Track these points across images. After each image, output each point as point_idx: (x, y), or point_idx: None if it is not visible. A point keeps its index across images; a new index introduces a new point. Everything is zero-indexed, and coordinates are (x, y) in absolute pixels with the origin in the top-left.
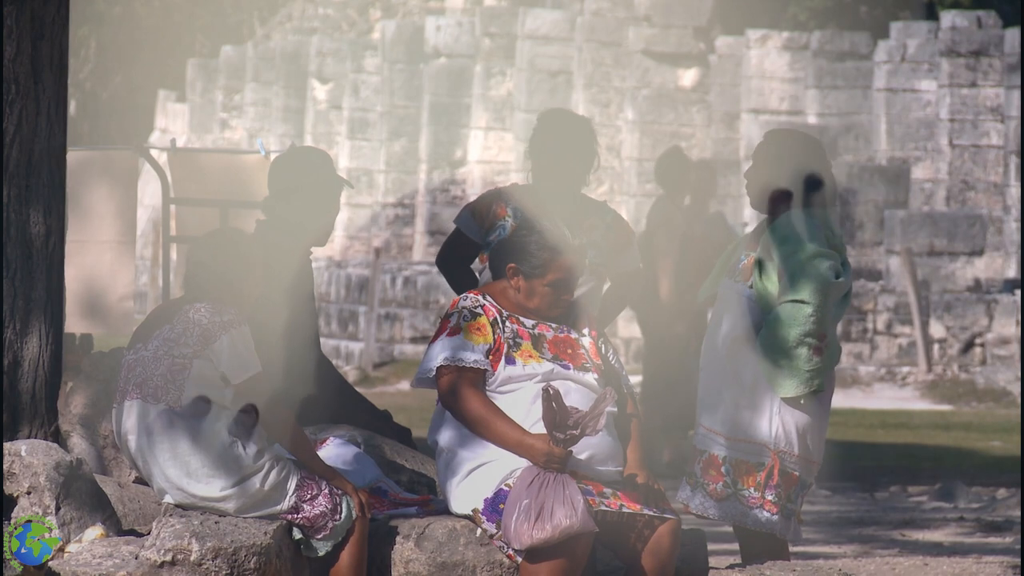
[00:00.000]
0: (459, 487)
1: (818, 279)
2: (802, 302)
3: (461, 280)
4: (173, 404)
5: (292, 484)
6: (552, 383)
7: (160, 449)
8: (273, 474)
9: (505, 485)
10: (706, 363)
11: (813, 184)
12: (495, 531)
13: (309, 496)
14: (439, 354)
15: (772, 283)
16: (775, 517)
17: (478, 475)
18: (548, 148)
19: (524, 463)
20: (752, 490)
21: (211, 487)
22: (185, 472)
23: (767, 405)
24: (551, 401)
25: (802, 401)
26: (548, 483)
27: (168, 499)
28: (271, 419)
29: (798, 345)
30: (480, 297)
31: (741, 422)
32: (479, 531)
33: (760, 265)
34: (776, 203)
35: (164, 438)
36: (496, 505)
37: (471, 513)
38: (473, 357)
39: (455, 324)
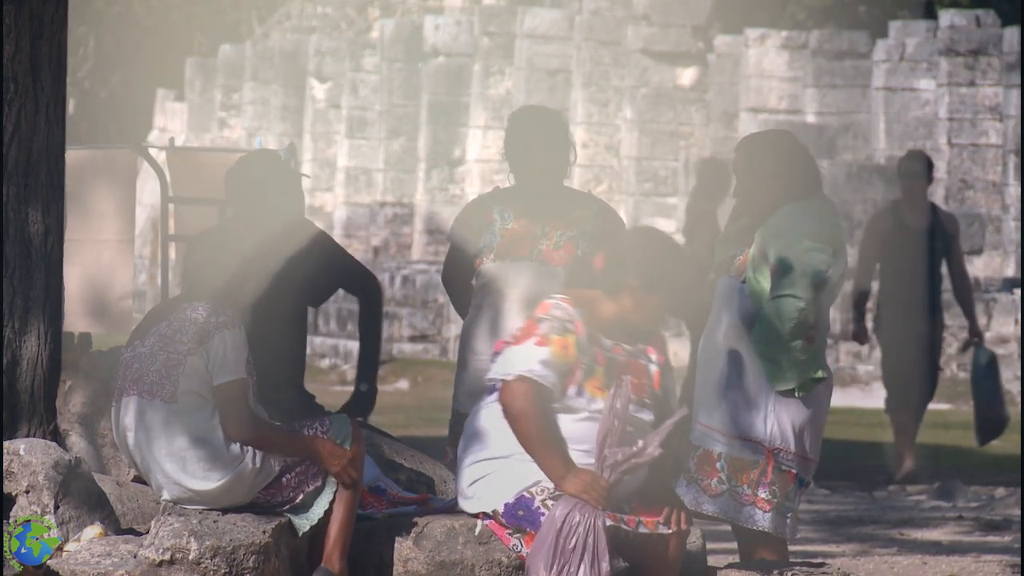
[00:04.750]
0: (478, 485)
1: (810, 274)
2: (794, 296)
3: (462, 296)
4: (168, 399)
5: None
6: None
7: (157, 445)
8: (261, 452)
9: (527, 492)
10: (704, 360)
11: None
12: (514, 535)
13: (291, 460)
14: (524, 363)
15: (765, 278)
16: (768, 515)
17: (500, 477)
18: (523, 146)
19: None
20: (746, 487)
21: (208, 481)
22: (182, 467)
23: (763, 402)
24: (615, 401)
25: (798, 395)
26: (578, 534)
27: (165, 495)
28: (240, 428)
29: (791, 338)
30: (572, 309)
31: (738, 419)
32: (478, 530)
33: (754, 261)
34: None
35: (160, 435)
36: (515, 511)
37: (490, 514)
38: (552, 378)
39: (545, 334)
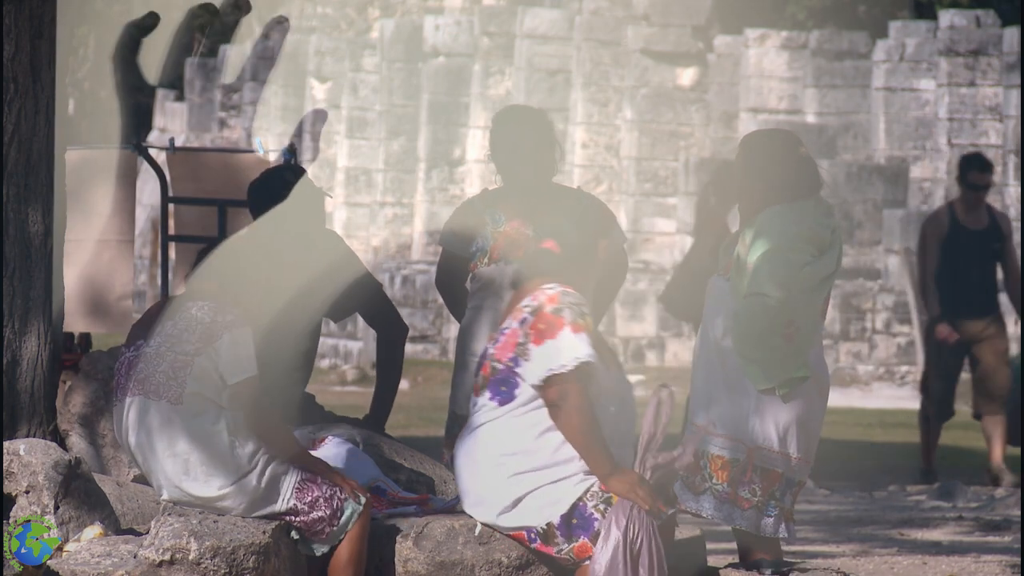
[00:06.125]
0: (526, 500)
1: (781, 273)
2: (764, 295)
3: (456, 300)
4: (174, 401)
5: (290, 484)
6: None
7: (159, 447)
8: (269, 471)
9: (580, 501)
10: (699, 360)
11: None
12: (566, 546)
13: (309, 499)
14: (576, 351)
15: (745, 277)
16: (748, 512)
17: (549, 490)
18: (510, 146)
19: (593, 479)
20: (725, 485)
21: (209, 486)
22: (183, 470)
23: (746, 401)
24: (661, 411)
25: (779, 393)
26: (642, 538)
27: (165, 495)
28: (260, 425)
29: (765, 336)
30: (577, 293)
31: (722, 417)
32: (478, 530)
33: (738, 261)
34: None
35: (163, 436)
36: (569, 521)
37: (544, 528)
38: (599, 362)
39: (573, 320)
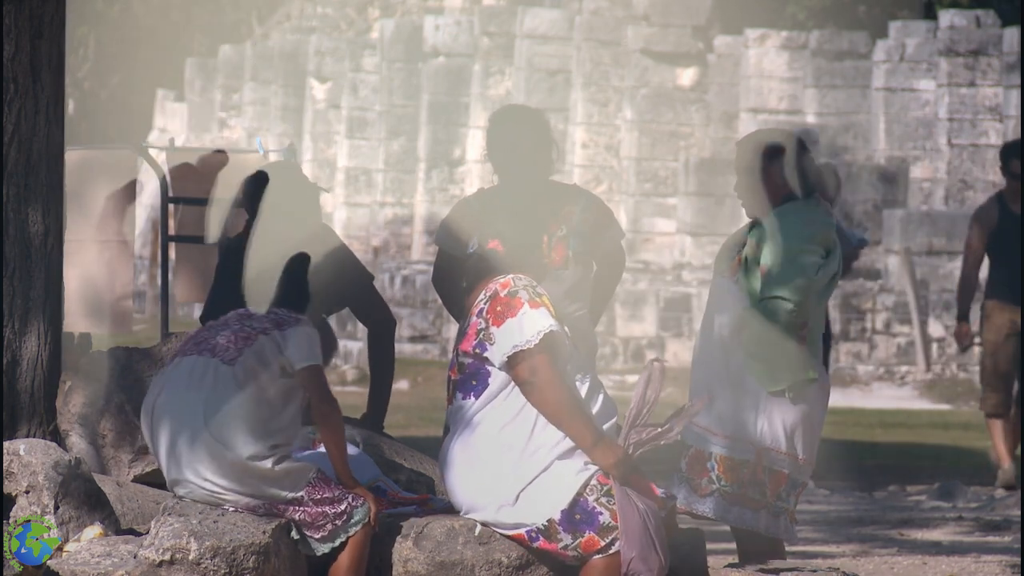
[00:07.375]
0: (525, 495)
1: (800, 276)
2: (782, 299)
3: (454, 298)
4: (227, 361)
5: (304, 479)
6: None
7: (195, 393)
8: (287, 462)
9: (580, 495)
10: (699, 360)
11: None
12: (570, 541)
13: (318, 496)
14: (538, 324)
15: (756, 279)
16: (758, 514)
17: (547, 483)
18: (507, 145)
19: (592, 470)
20: (735, 487)
21: (223, 448)
22: (211, 422)
23: (754, 402)
24: (651, 385)
25: (789, 396)
26: (651, 519)
27: (173, 452)
28: (322, 409)
29: (782, 339)
30: (527, 278)
31: (729, 418)
32: (478, 530)
33: (746, 262)
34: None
35: (206, 388)
36: (572, 515)
37: (545, 524)
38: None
39: (531, 298)
